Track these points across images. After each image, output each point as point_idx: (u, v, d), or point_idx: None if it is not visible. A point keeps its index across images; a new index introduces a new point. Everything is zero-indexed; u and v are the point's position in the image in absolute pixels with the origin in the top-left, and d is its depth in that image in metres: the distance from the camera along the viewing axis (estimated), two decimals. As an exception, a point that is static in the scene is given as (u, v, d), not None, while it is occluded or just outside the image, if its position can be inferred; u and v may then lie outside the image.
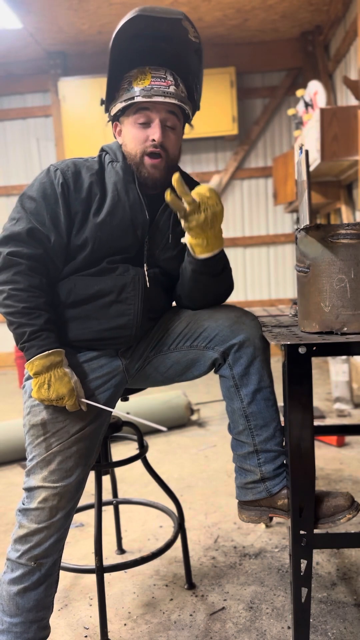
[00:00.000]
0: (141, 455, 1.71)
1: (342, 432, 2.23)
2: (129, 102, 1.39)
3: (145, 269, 1.45)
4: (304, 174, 1.37)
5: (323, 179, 4.43)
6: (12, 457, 3.11)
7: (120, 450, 3.00)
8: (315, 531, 1.33)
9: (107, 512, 2.25)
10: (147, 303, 1.44)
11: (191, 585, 1.83)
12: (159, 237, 1.47)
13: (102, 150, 1.51)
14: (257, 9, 4.80)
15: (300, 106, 4.52)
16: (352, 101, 3.86)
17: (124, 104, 1.40)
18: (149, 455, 2.38)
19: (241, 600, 1.75)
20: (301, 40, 5.37)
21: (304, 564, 1.31)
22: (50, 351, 1.32)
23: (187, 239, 1.38)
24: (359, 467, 2.74)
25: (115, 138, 1.51)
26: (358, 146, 3.58)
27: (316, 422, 2.62)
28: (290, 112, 4.76)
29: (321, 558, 1.94)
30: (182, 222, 1.33)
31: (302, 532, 1.31)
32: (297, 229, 1.36)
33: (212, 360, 1.45)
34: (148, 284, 1.44)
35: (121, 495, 2.50)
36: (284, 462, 1.43)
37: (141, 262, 1.45)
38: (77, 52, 5.52)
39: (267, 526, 2.19)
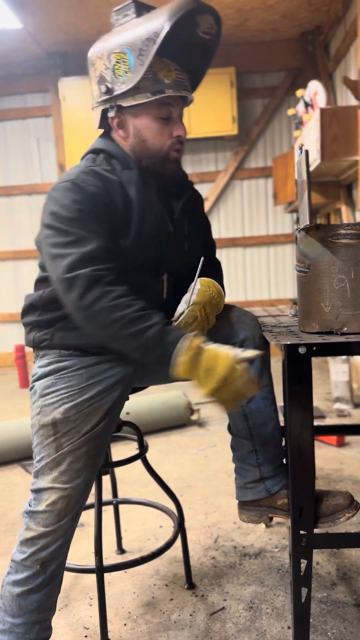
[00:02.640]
0: (141, 455, 1.71)
1: (342, 432, 2.23)
2: (158, 95, 1.31)
3: (165, 277, 1.43)
4: (304, 174, 1.37)
5: (323, 179, 4.43)
6: (12, 457, 3.11)
7: (120, 450, 3.00)
8: (315, 531, 1.33)
9: (107, 512, 2.25)
10: (163, 311, 1.43)
11: (191, 585, 1.83)
12: (178, 244, 1.45)
13: (102, 152, 1.40)
14: (257, 9, 4.80)
15: (300, 106, 4.52)
16: (352, 101, 3.86)
17: (150, 97, 1.31)
18: (149, 455, 2.37)
19: (241, 600, 1.75)
20: (301, 40, 5.37)
21: (304, 564, 1.31)
22: (186, 341, 1.20)
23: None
24: (358, 467, 2.74)
25: (114, 130, 1.40)
26: (358, 146, 3.58)
27: (316, 422, 2.62)
28: (290, 112, 4.76)
29: (321, 558, 1.94)
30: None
31: (302, 532, 1.31)
32: (297, 229, 1.36)
33: None
34: (165, 295, 1.43)
35: (121, 495, 2.50)
36: (283, 461, 1.43)
37: (160, 270, 1.43)
38: (77, 52, 5.52)
39: (267, 526, 2.19)
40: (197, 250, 1.49)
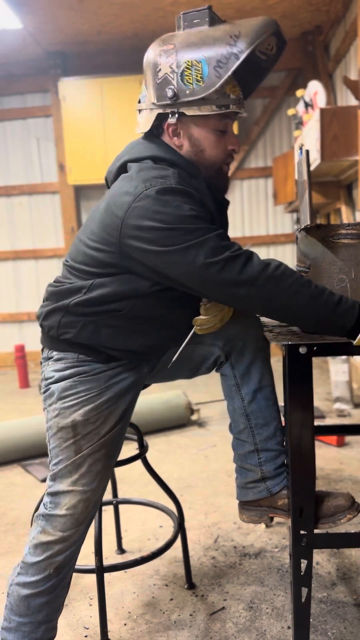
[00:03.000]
0: (141, 455, 1.71)
1: (342, 432, 2.23)
2: (224, 109, 1.29)
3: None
4: (304, 174, 1.37)
5: (323, 179, 4.43)
6: (12, 457, 3.11)
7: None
8: (315, 531, 1.33)
9: (107, 512, 2.25)
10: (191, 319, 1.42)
11: (191, 585, 1.83)
12: None
13: (165, 160, 1.33)
14: (257, 9, 4.80)
15: (300, 106, 4.52)
16: (352, 101, 3.86)
17: (216, 109, 1.29)
18: (149, 455, 2.37)
19: (241, 600, 1.75)
20: (301, 41, 5.37)
21: (304, 564, 1.31)
22: None
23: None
24: (359, 467, 2.74)
25: (168, 137, 1.35)
26: (358, 146, 3.58)
27: (316, 422, 2.62)
28: (290, 112, 4.76)
29: (321, 558, 1.94)
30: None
31: (302, 532, 1.31)
32: (297, 229, 1.36)
33: (215, 358, 1.45)
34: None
35: (121, 495, 2.50)
36: (285, 461, 1.43)
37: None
38: (77, 52, 5.52)
39: (267, 526, 2.19)
40: None
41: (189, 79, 1.26)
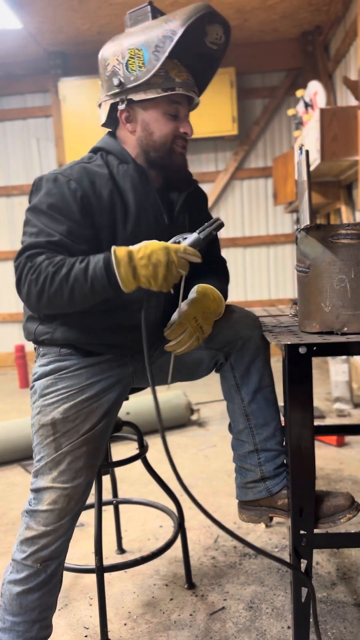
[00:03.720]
0: (141, 455, 1.72)
1: (342, 432, 2.23)
2: (169, 92, 1.36)
3: None
4: (304, 174, 1.37)
5: (323, 179, 4.43)
6: (12, 457, 3.11)
7: (120, 450, 3.00)
8: (315, 531, 1.33)
9: (107, 512, 2.25)
10: (167, 306, 1.44)
11: (191, 585, 1.83)
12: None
13: (101, 150, 1.43)
14: (257, 9, 4.80)
15: (300, 106, 4.52)
16: (352, 101, 3.86)
17: (161, 92, 1.35)
18: (148, 455, 2.36)
19: (241, 600, 1.75)
20: (301, 41, 5.37)
21: (304, 563, 1.31)
22: (111, 253, 1.20)
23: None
24: (358, 467, 2.74)
25: (121, 124, 1.42)
26: (358, 146, 3.58)
27: (316, 422, 2.62)
28: (290, 112, 4.76)
29: (321, 558, 1.94)
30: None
31: (302, 532, 1.31)
32: (297, 229, 1.36)
33: (214, 360, 1.45)
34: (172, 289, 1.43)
35: (121, 495, 2.50)
36: (284, 461, 1.43)
37: None
38: (77, 52, 5.52)
39: (267, 526, 2.19)
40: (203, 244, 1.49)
41: (133, 66, 1.35)
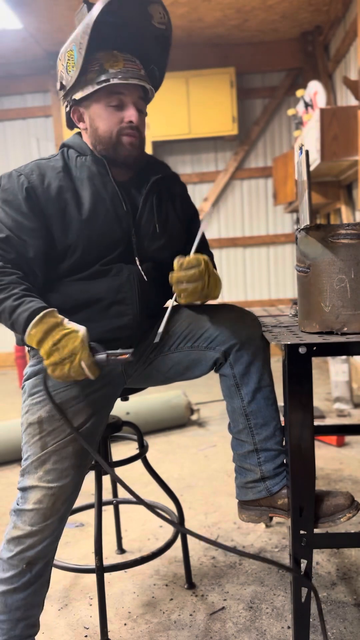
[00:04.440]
0: (141, 455, 1.71)
1: (342, 432, 2.23)
2: (104, 84, 1.36)
3: (138, 264, 1.44)
4: (304, 174, 1.37)
5: (323, 179, 4.43)
6: (12, 457, 3.11)
7: (120, 450, 3.00)
8: (315, 531, 1.33)
9: (107, 512, 2.26)
10: (144, 300, 1.43)
11: (191, 585, 1.83)
12: (146, 227, 1.46)
13: (64, 145, 1.48)
14: (257, 9, 4.80)
15: (300, 106, 4.52)
16: (352, 101, 3.86)
17: (96, 86, 1.36)
18: (148, 455, 2.37)
19: (241, 600, 1.75)
20: (301, 41, 5.37)
21: (304, 563, 1.31)
22: (42, 313, 1.24)
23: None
24: (358, 467, 2.74)
25: (75, 124, 1.47)
26: (358, 146, 3.58)
27: (316, 422, 2.63)
28: (290, 112, 4.76)
29: (321, 558, 1.94)
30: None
31: (302, 531, 1.31)
32: (297, 229, 1.36)
33: (213, 360, 1.45)
34: (144, 276, 1.43)
35: (121, 495, 2.50)
36: (284, 461, 1.43)
37: (132, 257, 1.44)
38: (77, 52, 5.52)
39: (267, 526, 2.19)
40: (174, 236, 1.50)
41: (69, 67, 1.38)
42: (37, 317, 1.24)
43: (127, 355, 1.25)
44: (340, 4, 4.49)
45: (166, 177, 1.53)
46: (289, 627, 1.60)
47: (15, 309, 1.25)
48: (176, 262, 1.34)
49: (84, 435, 1.39)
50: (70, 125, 1.51)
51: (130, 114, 1.39)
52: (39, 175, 1.37)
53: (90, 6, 1.37)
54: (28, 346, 1.45)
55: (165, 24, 1.42)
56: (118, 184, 1.43)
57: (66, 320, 1.27)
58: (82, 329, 1.26)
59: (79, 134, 1.50)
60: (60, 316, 1.27)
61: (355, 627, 1.58)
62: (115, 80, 1.36)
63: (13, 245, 1.32)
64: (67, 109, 1.46)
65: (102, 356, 1.25)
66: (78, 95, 1.40)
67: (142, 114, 1.44)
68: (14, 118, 5.93)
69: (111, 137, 1.40)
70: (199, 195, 5.77)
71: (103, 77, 1.36)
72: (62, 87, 1.42)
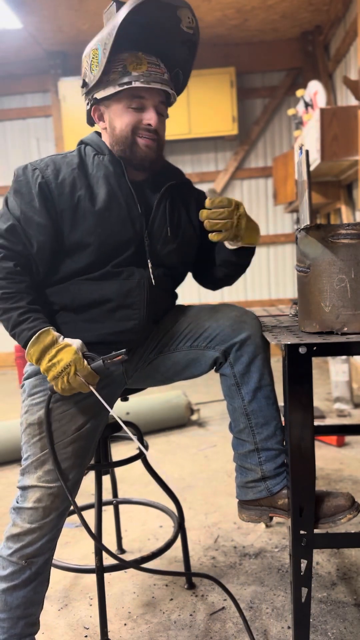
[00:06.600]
0: (141, 455, 1.71)
1: (342, 432, 2.23)
2: (125, 86, 1.36)
3: (150, 268, 1.43)
4: (304, 174, 1.37)
5: (323, 179, 4.43)
6: (12, 457, 3.11)
7: (120, 450, 3.00)
8: (315, 531, 1.32)
9: (107, 512, 2.25)
10: (152, 306, 1.42)
11: (191, 585, 1.83)
12: (158, 231, 1.46)
13: (81, 142, 1.48)
14: (257, 9, 4.80)
15: (300, 106, 4.52)
16: (352, 101, 3.86)
17: (118, 87, 1.36)
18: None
19: (241, 600, 1.75)
20: (301, 40, 5.37)
21: (304, 564, 1.31)
22: (39, 332, 1.28)
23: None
24: (359, 467, 2.74)
25: (96, 122, 1.48)
26: (358, 146, 3.58)
27: (316, 422, 2.63)
28: (290, 112, 4.76)
29: (321, 558, 1.94)
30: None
31: (302, 532, 1.31)
32: (297, 229, 1.36)
33: (213, 360, 1.45)
34: (154, 282, 1.43)
35: (121, 495, 2.50)
36: (285, 461, 1.43)
37: (144, 260, 1.43)
38: (77, 52, 5.51)
39: (267, 526, 2.19)
40: (185, 242, 1.50)
41: (93, 66, 1.38)
42: (34, 337, 1.28)
43: (122, 356, 1.28)
44: (340, 4, 4.49)
45: (180, 185, 1.54)
46: (289, 627, 1.60)
47: (19, 324, 1.29)
48: (208, 200, 1.37)
49: (84, 436, 1.39)
50: (90, 122, 1.52)
51: (150, 117, 1.39)
52: (54, 170, 1.38)
53: (119, 5, 1.37)
54: None
55: (194, 29, 1.42)
56: (133, 184, 1.42)
57: (61, 338, 1.31)
58: (75, 342, 1.30)
59: (98, 132, 1.51)
60: (56, 333, 1.31)
61: (356, 627, 1.58)
62: (137, 84, 1.35)
63: (18, 235, 1.34)
64: (88, 106, 1.47)
65: (98, 363, 1.28)
66: (100, 95, 1.41)
67: (162, 117, 1.44)
68: (14, 118, 5.93)
69: (127, 136, 1.40)
70: (199, 195, 5.76)
71: (125, 79, 1.36)
72: (85, 84, 1.42)
